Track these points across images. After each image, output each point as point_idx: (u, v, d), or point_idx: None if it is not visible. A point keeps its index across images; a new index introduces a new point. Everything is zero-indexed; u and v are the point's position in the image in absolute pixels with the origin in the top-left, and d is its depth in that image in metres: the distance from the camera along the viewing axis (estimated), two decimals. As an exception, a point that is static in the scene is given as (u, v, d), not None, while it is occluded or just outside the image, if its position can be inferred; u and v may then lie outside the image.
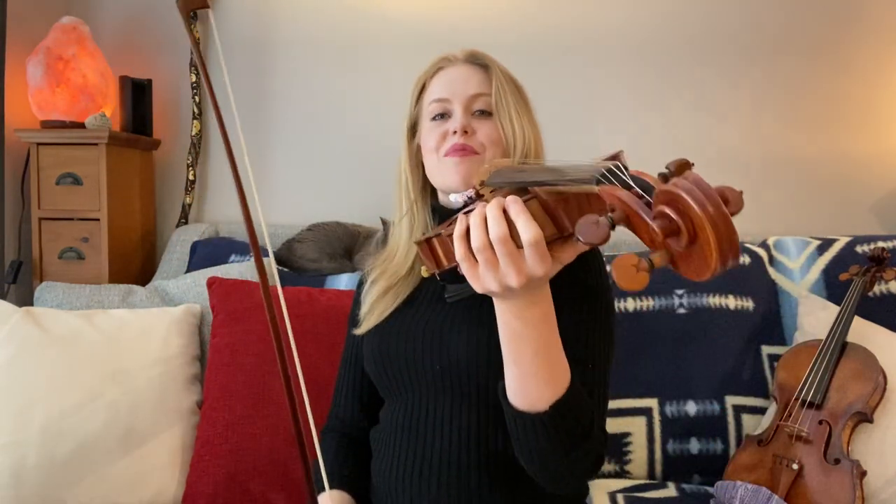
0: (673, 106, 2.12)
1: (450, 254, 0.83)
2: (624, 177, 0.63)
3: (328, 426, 1.15)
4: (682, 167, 0.59)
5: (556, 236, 0.71)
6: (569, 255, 0.73)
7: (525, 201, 0.70)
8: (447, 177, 1.01)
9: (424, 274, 0.90)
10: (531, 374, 0.80)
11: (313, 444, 0.85)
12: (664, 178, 0.59)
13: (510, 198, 0.71)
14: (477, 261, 0.72)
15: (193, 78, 2.21)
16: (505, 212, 0.70)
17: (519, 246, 0.70)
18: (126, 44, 2.24)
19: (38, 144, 1.97)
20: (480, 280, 0.73)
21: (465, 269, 0.74)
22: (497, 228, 0.70)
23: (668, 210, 0.53)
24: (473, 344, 0.95)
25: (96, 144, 1.96)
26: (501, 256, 0.70)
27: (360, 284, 1.14)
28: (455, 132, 1.00)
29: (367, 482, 1.08)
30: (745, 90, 2.10)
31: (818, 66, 2.07)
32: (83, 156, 1.96)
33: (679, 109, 2.12)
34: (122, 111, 2.13)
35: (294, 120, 2.24)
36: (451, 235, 0.82)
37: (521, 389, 0.82)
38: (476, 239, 0.71)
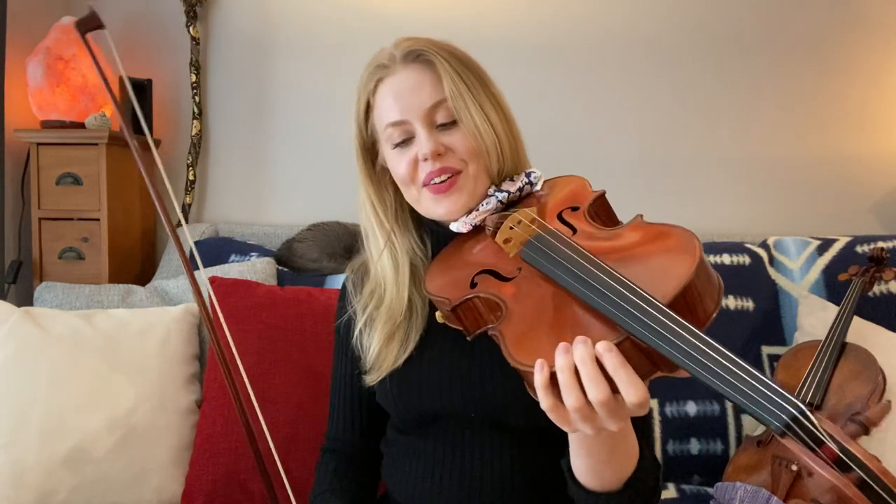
0: (673, 106, 2.12)
1: (482, 318, 0.77)
2: (814, 429, 0.53)
3: (326, 446, 1.10)
4: (884, 414, 0.57)
5: (651, 372, 0.64)
6: (656, 377, 0.66)
7: (618, 344, 0.62)
8: (433, 211, 0.91)
9: (440, 320, 0.84)
10: (604, 462, 0.77)
11: (274, 462, 0.81)
12: (863, 428, 0.54)
13: (603, 346, 0.62)
14: (566, 408, 0.64)
15: (193, 78, 2.21)
16: (598, 360, 0.62)
17: (616, 390, 0.62)
18: (126, 44, 2.24)
19: (38, 144, 1.97)
20: (572, 425, 0.66)
21: (553, 417, 0.66)
22: (599, 393, 0.62)
23: None
24: (509, 388, 0.87)
25: (96, 144, 1.96)
26: (602, 413, 0.63)
27: (349, 325, 1.01)
28: (426, 159, 0.88)
29: (371, 496, 1.05)
30: (745, 90, 2.10)
31: (818, 66, 2.07)
32: (83, 156, 1.97)
33: (679, 110, 2.12)
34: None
35: (294, 119, 2.24)
36: (482, 301, 0.75)
37: (593, 476, 0.78)
38: (571, 400, 0.63)
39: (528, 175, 0.92)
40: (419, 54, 0.90)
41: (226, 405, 1.45)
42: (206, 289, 0.85)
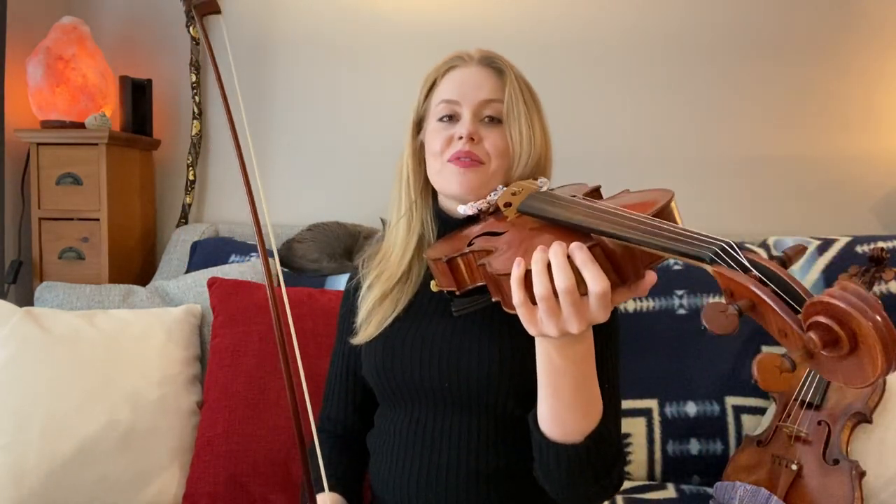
0: (673, 107, 2.12)
1: (474, 274, 0.83)
2: (739, 257, 0.60)
3: (319, 427, 1.13)
4: (799, 252, 0.62)
5: (617, 285, 0.70)
6: (622, 299, 0.71)
7: (589, 247, 0.69)
8: (448, 184, 0.98)
9: (434, 288, 0.89)
10: (568, 407, 0.80)
11: (314, 447, 0.84)
12: (781, 262, 0.60)
13: (575, 245, 0.69)
14: (535, 305, 0.71)
15: (193, 78, 2.21)
16: (569, 258, 0.68)
17: (583, 294, 0.68)
18: (126, 44, 2.24)
19: (38, 144, 1.97)
20: (538, 325, 0.72)
21: (521, 314, 0.72)
22: (565, 280, 0.68)
23: (826, 321, 0.52)
24: (485, 362, 0.93)
25: (96, 144, 1.96)
26: (566, 306, 0.69)
27: (356, 289, 1.08)
28: (461, 138, 0.96)
29: (360, 484, 1.07)
30: (745, 90, 2.10)
31: (818, 66, 2.07)
32: (83, 156, 1.96)
33: (679, 110, 2.12)
34: (122, 111, 2.13)
35: (294, 120, 2.24)
36: (475, 254, 0.81)
37: (557, 421, 0.82)
38: (540, 287, 0.69)
39: (536, 180, 0.98)
40: (493, 62, 1.01)
41: (227, 407, 1.45)
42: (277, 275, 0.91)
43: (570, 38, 2.13)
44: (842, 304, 0.51)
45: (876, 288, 1.65)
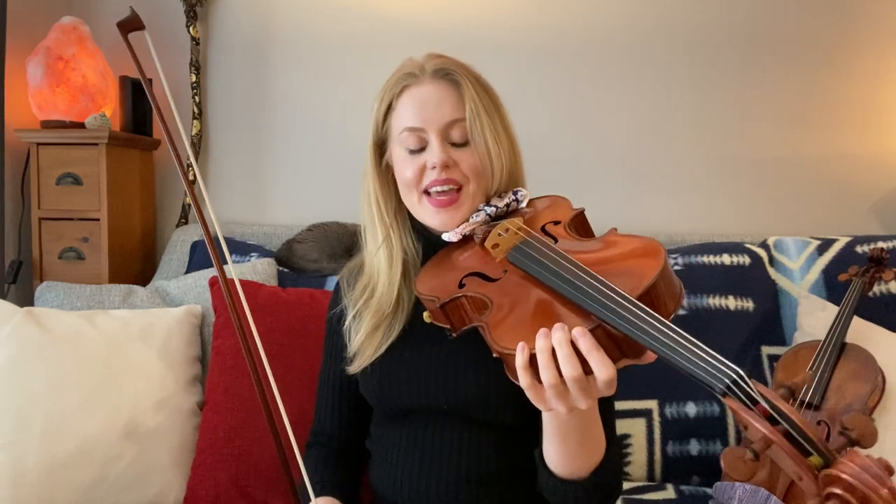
0: (672, 107, 2.12)
1: (468, 316, 0.84)
2: (750, 390, 0.63)
3: (310, 441, 1.13)
4: (804, 381, 0.67)
5: (619, 358, 0.72)
6: (624, 365, 0.73)
7: (592, 330, 0.70)
8: (427, 219, 0.98)
9: (427, 320, 0.90)
10: (575, 452, 0.83)
11: (293, 448, 0.86)
12: (789, 391, 0.64)
13: (578, 331, 0.70)
14: (542, 384, 0.72)
15: (193, 78, 2.21)
16: (573, 343, 0.70)
17: (588, 373, 0.70)
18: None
19: (38, 144, 1.97)
20: (546, 403, 0.74)
21: (530, 394, 0.74)
22: (572, 370, 0.69)
23: (842, 493, 0.56)
24: (483, 383, 0.94)
25: (96, 144, 1.96)
26: (574, 390, 0.71)
27: (340, 318, 1.06)
28: (434, 167, 0.95)
29: (356, 489, 1.08)
30: (745, 90, 2.09)
31: (818, 66, 2.07)
32: (83, 156, 1.96)
33: (679, 110, 2.12)
34: (122, 111, 2.13)
35: (294, 120, 2.24)
36: (469, 300, 0.83)
37: (564, 464, 0.85)
38: (548, 376, 0.70)
39: (515, 193, 0.99)
40: (448, 73, 0.98)
41: (229, 409, 1.45)
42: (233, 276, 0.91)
43: (570, 36, 2.13)
44: (858, 484, 0.55)
45: (876, 288, 1.65)
